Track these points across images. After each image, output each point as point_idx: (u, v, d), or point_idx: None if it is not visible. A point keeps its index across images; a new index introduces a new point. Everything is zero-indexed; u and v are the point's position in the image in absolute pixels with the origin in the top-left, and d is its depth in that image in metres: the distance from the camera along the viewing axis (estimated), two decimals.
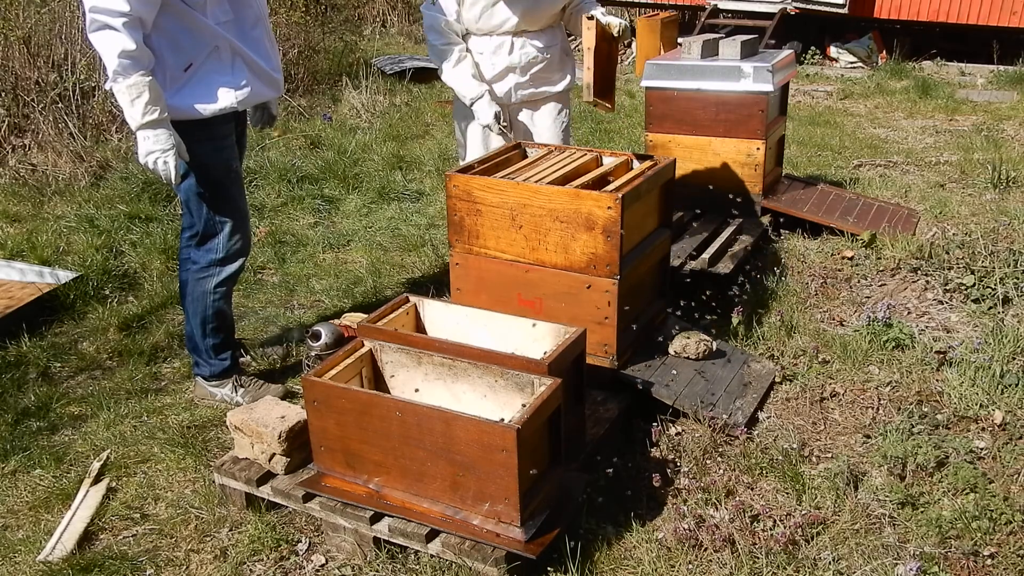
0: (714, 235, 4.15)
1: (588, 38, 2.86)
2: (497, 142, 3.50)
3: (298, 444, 2.54)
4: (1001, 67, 8.97)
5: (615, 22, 3.29)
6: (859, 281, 4.09)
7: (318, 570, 2.39)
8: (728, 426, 2.82)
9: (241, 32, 2.86)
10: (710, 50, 4.47)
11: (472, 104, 3.46)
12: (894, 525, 2.48)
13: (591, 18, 2.83)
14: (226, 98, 2.83)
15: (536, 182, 2.88)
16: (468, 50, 3.46)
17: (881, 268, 4.15)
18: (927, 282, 3.98)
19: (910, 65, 9.22)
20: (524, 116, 3.63)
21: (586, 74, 2.90)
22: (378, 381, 2.62)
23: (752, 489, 2.65)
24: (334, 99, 7.75)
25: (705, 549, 2.34)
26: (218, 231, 3.01)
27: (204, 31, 2.75)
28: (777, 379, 3.19)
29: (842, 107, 7.85)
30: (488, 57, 3.43)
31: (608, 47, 3.23)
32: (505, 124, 3.48)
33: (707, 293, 3.61)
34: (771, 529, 2.41)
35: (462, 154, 3.74)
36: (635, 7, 11.33)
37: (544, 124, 3.59)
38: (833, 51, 9.76)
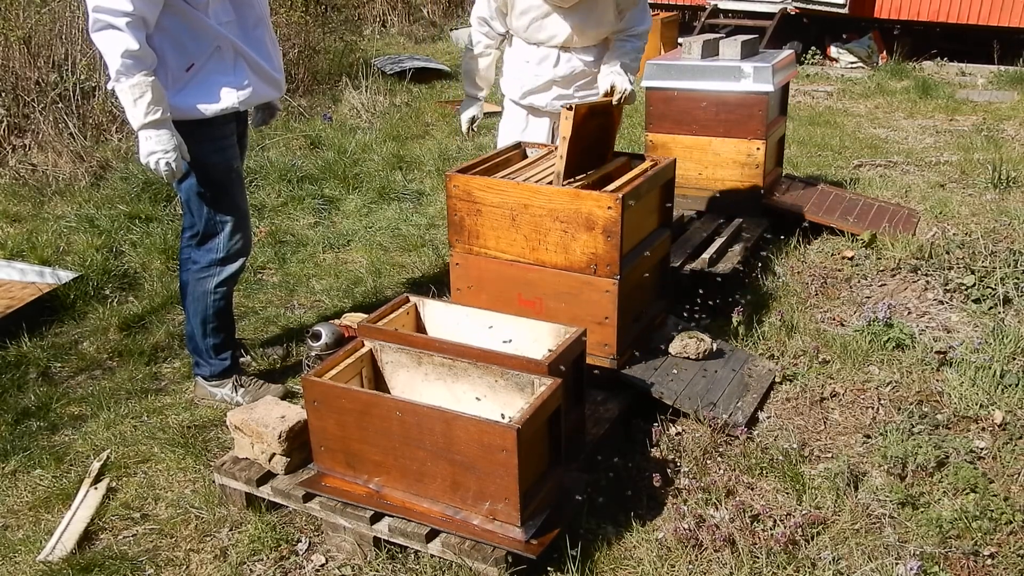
0: (714, 235, 4.15)
1: (564, 127, 2.82)
2: (532, 138, 3.53)
3: (298, 444, 2.54)
4: (1001, 67, 8.97)
5: (619, 86, 3.18)
6: (859, 281, 4.09)
7: (318, 570, 2.40)
8: (728, 426, 2.82)
9: (243, 32, 2.86)
10: (710, 50, 4.47)
11: (465, 95, 3.68)
12: (894, 525, 2.48)
13: (569, 108, 2.79)
14: (228, 98, 2.83)
15: (536, 182, 2.88)
16: (495, 49, 3.54)
17: (881, 268, 4.16)
18: (927, 282, 3.98)
19: (910, 65, 9.22)
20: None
21: (558, 162, 2.87)
22: (378, 381, 2.62)
23: (752, 489, 2.65)
24: (334, 99, 7.75)
25: (705, 549, 2.34)
26: (219, 231, 3.01)
27: (206, 31, 2.75)
28: (777, 379, 3.19)
29: (842, 107, 7.85)
30: (533, 67, 3.42)
31: (604, 119, 3.12)
32: (473, 131, 3.68)
33: (707, 293, 3.61)
34: (771, 529, 2.41)
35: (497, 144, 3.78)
36: None
37: None
38: (833, 51, 9.76)
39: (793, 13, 9.20)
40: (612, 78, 3.23)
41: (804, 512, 2.50)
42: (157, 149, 2.66)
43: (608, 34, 3.38)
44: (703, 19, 9.48)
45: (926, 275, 4.01)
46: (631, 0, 3.28)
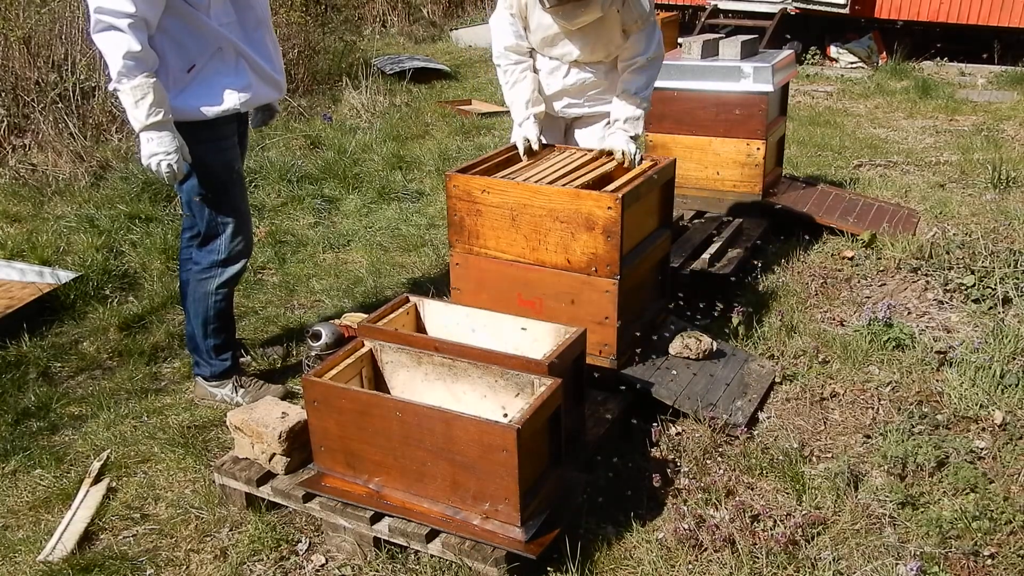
0: (714, 235, 4.15)
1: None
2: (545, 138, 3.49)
3: (298, 444, 2.54)
4: (1001, 67, 8.97)
5: (617, 149, 3.14)
6: (859, 281, 4.09)
7: (318, 570, 2.40)
8: (728, 426, 2.82)
9: (244, 33, 2.86)
10: (710, 50, 4.47)
11: (516, 123, 3.42)
12: (894, 525, 2.48)
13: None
14: (229, 99, 2.82)
15: (536, 182, 2.88)
16: (529, 68, 3.37)
17: (881, 268, 4.16)
18: (927, 282, 3.98)
19: (910, 65, 9.22)
20: (578, 133, 3.60)
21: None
22: (378, 381, 2.62)
23: (752, 489, 2.65)
24: (334, 99, 7.75)
25: (705, 549, 2.34)
26: (220, 232, 3.01)
27: (207, 32, 2.75)
28: (777, 379, 3.19)
29: (842, 107, 7.85)
30: (545, 77, 3.40)
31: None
32: (538, 145, 3.38)
33: (707, 293, 3.61)
34: (771, 529, 2.41)
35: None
36: None
37: (594, 139, 3.53)
38: (833, 51, 9.76)
39: (793, 13, 9.20)
40: (614, 142, 3.18)
41: (804, 512, 2.50)
42: (159, 151, 2.66)
43: (618, 53, 3.32)
44: (703, 19, 9.48)
45: (926, 275, 4.01)
46: (635, 21, 3.19)
